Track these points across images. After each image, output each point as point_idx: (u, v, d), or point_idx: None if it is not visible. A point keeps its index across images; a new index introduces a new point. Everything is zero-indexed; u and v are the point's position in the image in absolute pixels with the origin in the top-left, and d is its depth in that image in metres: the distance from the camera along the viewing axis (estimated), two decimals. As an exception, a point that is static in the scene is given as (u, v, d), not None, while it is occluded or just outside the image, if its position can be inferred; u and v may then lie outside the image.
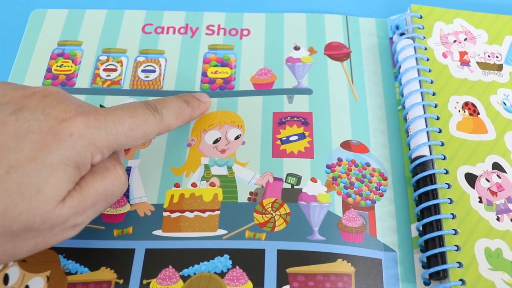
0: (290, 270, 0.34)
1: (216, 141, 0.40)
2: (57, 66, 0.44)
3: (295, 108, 0.41)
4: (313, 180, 0.38)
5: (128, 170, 0.39)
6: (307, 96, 0.42)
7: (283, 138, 0.39)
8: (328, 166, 0.38)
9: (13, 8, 0.48)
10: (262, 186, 0.38)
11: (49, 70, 0.44)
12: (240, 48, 0.45)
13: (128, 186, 0.39)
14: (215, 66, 0.44)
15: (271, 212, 0.36)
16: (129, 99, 0.43)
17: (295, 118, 0.40)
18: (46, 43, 0.45)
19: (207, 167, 0.39)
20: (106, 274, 0.35)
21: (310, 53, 0.44)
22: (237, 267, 0.34)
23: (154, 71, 0.44)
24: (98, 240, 0.36)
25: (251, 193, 0.37)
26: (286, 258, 0.34)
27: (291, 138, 0.39)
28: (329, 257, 0.35)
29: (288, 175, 0.38)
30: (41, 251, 0.30)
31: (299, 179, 0.38)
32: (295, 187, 0.37)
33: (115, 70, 0.44)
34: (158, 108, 0.35)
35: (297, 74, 0.43)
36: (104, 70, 0.44)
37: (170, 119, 0.35)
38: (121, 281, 0.35)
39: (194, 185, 0.38)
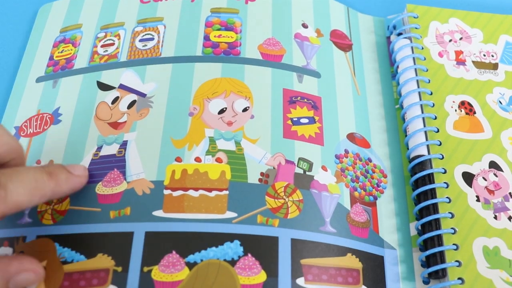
0: (304, 261, 0.30)
1: (221, 111, 0.34)
2: (58, 52, 0.38)
3: (304, 89, 0.36)
4: (324, 168, 0.33)
5: (125, 144, 0.32)
6: (315, 79, 0.37)
7: (294, 119, 0.34)
8: (336, 156, 0.34)
9: (21, 5, 0.44)
10: (274, 168, 0.32)
11: (51, 58, 0.38)
12: (246, 13, 0.39)
13: (125, 162, 0.32)
14: (219, 29, 0.37)
15: (284, 197, 0.31)
16: (126, 71, 0.36)
17: (305, 100, 0.35)
18: (50, 34, 0.41)
19: (212, 140, 0.32)
20: (103, 261, 0.28)
21: (317, 35, 0.39)
22: (249, 255, 0.29)
23: (152, 39, 0.37)
24: (93, 224, 0.29)
25: (262, 173, 0.32)
26: (300, 248, 0.30)
27: (302, 120, 0.34)
28: (340, 251, 0.31)
29: (300, 159, 0.33)
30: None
31: (310, 165, 0.33)
32: (307, 173, 0.32)
33: (112, 44, 0.38)
34: (3, 181, 0.26)
35: (306, 53, 0.38)
36: (102, 46, 0.38)
37: (19, 196, 0.26)
38: (119, 269, 0.28)
39: (198, 160, 0.32)
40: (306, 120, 0.35)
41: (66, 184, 0.29)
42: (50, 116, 0.35)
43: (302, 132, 0.34)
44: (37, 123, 0.35)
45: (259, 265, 0.29)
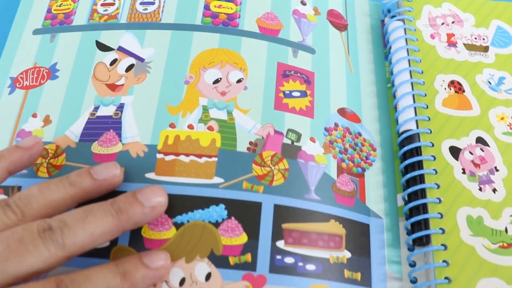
0: (286, 225, 0.31)
1: (216, 81, 0.35)
2: (56, 6, 0.39)
3: (299, 64, 0.37)
4: (312, 140, 0.34)
5: (121, 107, 0.34)
6: (310, 55, 0.37)
7: (286, 92, 0.35)
8: (326, 129, 0.35)
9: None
10: (263, 138, 0.33)
11: (49, 10, 0.39)
12: None
13: (121, 124, 0.33)
14: None
15: (270, 165, 0.32)
16: (125, 33, 0.37)
17: (299, 74, 0.36)
18: None
19: (205, 109, 0.34)
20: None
21: (314, 13, 0.39)
22: (233, 218, 0.30)
23: (153, 3, 0.38)
24: None
25: (250, 143, 0.33)
26: (282, 214, 0.31)
27: (294, 94, 0.35)
28: (323, 217, 0.32)
29: (289, 130, 0.34)
30: None
31: (299, 136, 0.34)
32: (295, 143, 0.33)
33: (112, 4, 0.38)
34: None
35: (303, 30, 0.38)
36: (102, 5, 0.38)
37: None
38: (111, 224, 0.29)
39: (190, 127, 0.33)
40: (298, 94, 0.35)
41: (143, 284, 0.26)
42: (47, 70, 0.36)
43: (293, 105, 0.35)
44: (34, 76, 0.36)
45: (241, 228, 0.30)
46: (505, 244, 0.32)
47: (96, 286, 0.25)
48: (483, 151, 0.35)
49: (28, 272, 0.24)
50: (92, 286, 0.25)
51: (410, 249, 0.33)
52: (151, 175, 0.31)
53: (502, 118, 0.37)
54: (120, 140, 0.32)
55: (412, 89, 0.37)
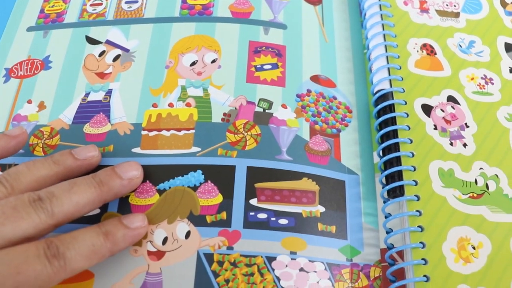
0: (258, 185, 0.33)
1: (193, 63, 0.38)
2: (49, 7, 0.43)
3: (270, 40, 0.39)
4: (284, 106, 0.36)
5: (110, 92, 0.38)
6: (281, 31, 0.40)
7: (258, 66, 0.38)
8: (298, 95, 0.37)
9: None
10: (236, 108, 0.36)
11: (42, 11, 0.43)
12: None
13: (109, 107, 0.37)
14: None
15: (243, 132, 0.35)
16: (112, 28, 0.41)
17: (270, 49, 0.38)
18: None
19: (183, 88, 0.37)
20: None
21: None
22: (209, 182, 0.33)
23: (136, 1, 0.42)
24: None
25: (224, 114, 0.36)
26: (255, 174, 0.34)
27: (265, 67, 0.38)
28: (295, 175, 0.34)
29: (260, 99, 0.36)
30: None
31: (270, 104, 0.36)
32: (266, 111, 0.36)
33: (100, 4, 0.43)
34: (61, 251, 0.26)
35: (274, 8, 0.41)
36: (91, 5, 0.43)
37: (77, 263, 0.27)
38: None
39: (171, 105, 0.36)
40: (269, 67, 0.38)
41: (124, 242, 0.30)
42: (40, 62, 0.39)
43: (265, 77, 0.37)
44: (28, 67, 0.39)
45: (216, 190, 0.33)
46: (475, 195, 0.33)
47: (82, 244, 0.28)
48: (454, 108, 0.36)
49: (21, 237, 0.27)
50: (79, 245, 0.27)
51: (385, 201, 0.34)
52: (137, 150, 0.35)
53: (472, 79, 0.38)
54: (109, 121, 0.36)
55: (386, 51, 0.38)
